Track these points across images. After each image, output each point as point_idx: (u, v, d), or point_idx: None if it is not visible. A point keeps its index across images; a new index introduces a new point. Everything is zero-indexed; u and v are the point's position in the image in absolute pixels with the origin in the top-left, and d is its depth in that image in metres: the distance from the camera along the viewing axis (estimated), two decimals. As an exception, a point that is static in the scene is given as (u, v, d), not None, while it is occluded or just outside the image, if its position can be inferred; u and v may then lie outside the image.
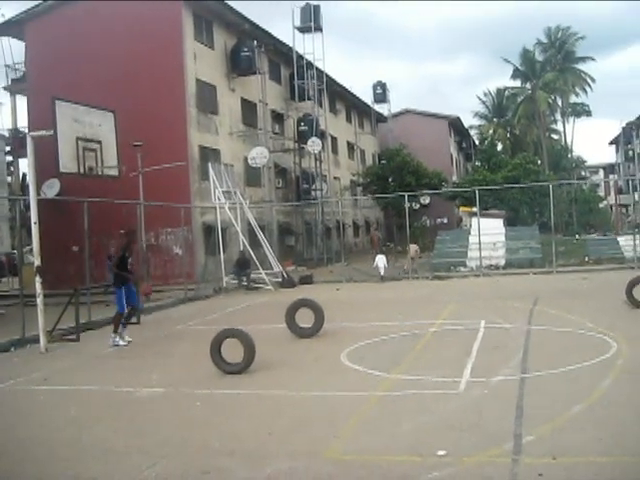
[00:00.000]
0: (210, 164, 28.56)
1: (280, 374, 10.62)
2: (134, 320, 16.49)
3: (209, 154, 32.86)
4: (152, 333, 16.45)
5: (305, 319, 14.01)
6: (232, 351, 10.71)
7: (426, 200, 49.29)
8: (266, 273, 27.07)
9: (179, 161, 28.66)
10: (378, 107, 61.50)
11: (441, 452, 6.34)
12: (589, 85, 70.60)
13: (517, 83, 71.79)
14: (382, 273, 27.71)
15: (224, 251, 27.90)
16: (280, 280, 27.23)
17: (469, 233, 32.82)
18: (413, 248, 30.00)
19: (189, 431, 7.75)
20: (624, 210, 53.75)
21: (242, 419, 8.14)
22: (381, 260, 28.04)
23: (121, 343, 14.47)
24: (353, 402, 8.57)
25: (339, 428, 7.42)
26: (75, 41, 32.02)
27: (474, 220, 31.98)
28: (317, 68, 42.95)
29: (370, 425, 7.57)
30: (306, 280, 27.88)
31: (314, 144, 39.93)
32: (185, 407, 8.87)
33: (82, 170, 14.89)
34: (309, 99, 42.29)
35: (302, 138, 40.98)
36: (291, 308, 14.15)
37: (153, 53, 31.19)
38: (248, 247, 27.97)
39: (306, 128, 41.00)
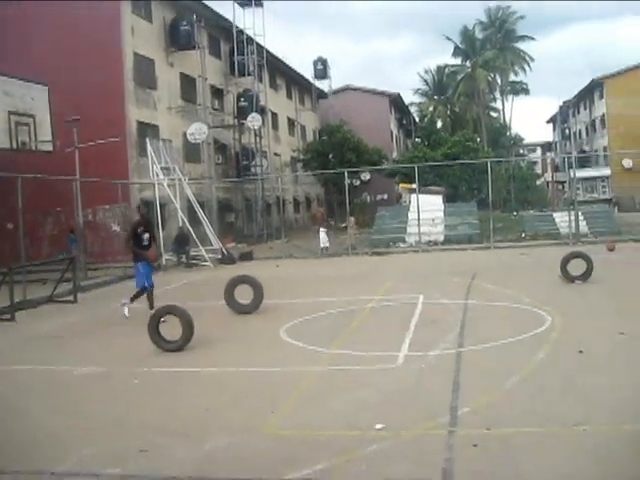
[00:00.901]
0: (148, 140, 28.19)
1: (219, 351, 10.58)
2: (71, 298, 16.22)
3: (147, 129, 32.38)
4: (90, 311, 16.22)
5: (244, 296, 13.95)
6: (171, 329, 10.63)
7: (366, 176, 49.46)
8: (205, 250, 26.91)
9: (117, 136, 28.14)
10: (319, 83, 61.32)
11: (379, 426, 6.39)
12: (528, 64, 71.59)
13: (458, 61, 72.48)
14: (323, 245, 27.99)
15: (163, 228, 27.63)
16: (220, 257, 27.09)
17: (408, 209, 33.07)
18: (352, 221, 30.22)
19: (127, 409, 7.67)
20: (560, 187, 54.65)
21: (181, 396, 8.10)
22: (324, 233, 28.28)
23: (125, 313, 14.02)
24: (292, 377, 8.58)
25: (278, 404, 7.42)
26: (7, 12, 31.10)
27: (413, 196, 32.24)
28: (257, 43, 42.60)
29: (309, 400, 7.59)
30: (246, 257, 27.79)
31: (254, 120, 39.68)
32: (123, 386, 8.77)
33: (15, 145, 14.53)
34: (249, 74, 41.86)
35: (242, 114, 40.64)
36: (230, 285, 14.07)
37: (90, 26, 30.38)
38: (187, 224, 27.74)
39: (246, 104, 40.67)
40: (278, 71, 51.37)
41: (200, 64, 37.17)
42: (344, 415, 6.89)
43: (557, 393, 7.31)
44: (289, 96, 55.70)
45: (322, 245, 28.50)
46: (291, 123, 55.48)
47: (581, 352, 8.89)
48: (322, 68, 60.59)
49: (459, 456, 5.64)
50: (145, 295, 14.11)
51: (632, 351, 9.01)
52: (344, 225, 32.11)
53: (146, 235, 14.11)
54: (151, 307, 13.57)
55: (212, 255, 26.95)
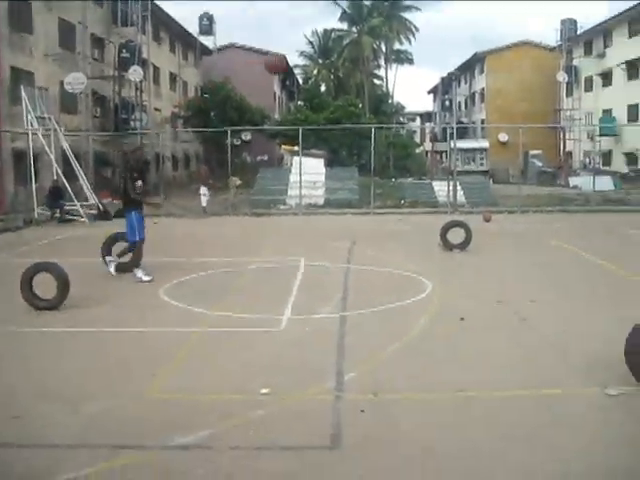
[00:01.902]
0: (22, 87, 26.83)
1: (96, 310, 10.10)
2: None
3: (22, 76, 30.64)
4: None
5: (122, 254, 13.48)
6: (44, 286, 10.10)
7: (247, 136, 48.91)
8: (81, 205, 26.00)
9: (-13, 81, 26.72)
10: (204, 39, 60.06)
11: (264, 390, 6.27)
12: (413, 34, 72.21)
13: (344, 26, 72.14)
14: (204, 204, 27.65)
15: (36, 180, 26.44)
16: (95, 212, 26.24)
17: (290, 172, 33.00)
18: (235, 180, 29.96)
19: (-4, 372, 7.24)
20: (439, 157, 55.81)
21: (56, 358, 7.65)
22: (205, 192, 27.88)
23: (145, 278, 12.33)
24: (173, 339, 8.35)
25: (159, 366, 7.18)
26: None
27: (295, 159, 32.19)
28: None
29: (191, 363, 7.40)
30: (122, 213, 26.95)
31: (135, 73, 38.46)
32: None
33: None
34: (132, 25, 40.44)
35: (123, 66, 39.22)
36: (107, 241, 13.60)
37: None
38: (62, 177, 26.67)
39: (128, 55, 39.25)
40: (162, 24, 49.84)
41: (81, 10, 35.63)
42: (228, 379, 6.75)
43: (440, 359, 7.40)
44: (172, 50, 54.26)
45: (203, 204, 28.13)
46: (173, 78, 54.14)
47: (462, 319, 9.03)
48: (208, 24, 59.37)
49: (347, 421, 5.60)
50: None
51: (509, 319, 9.24)
52: (226, 185, 31.67)
53: (138, 183, 12.75)
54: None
55: (88, 210, 26.08)
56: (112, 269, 12.78)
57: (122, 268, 12.82)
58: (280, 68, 17.71)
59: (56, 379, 6.89)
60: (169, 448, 5.15)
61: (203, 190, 28.31)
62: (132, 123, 39.83)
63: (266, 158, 53.87)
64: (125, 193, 12.97)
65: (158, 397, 6.26)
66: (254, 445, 5.18)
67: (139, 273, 12.51)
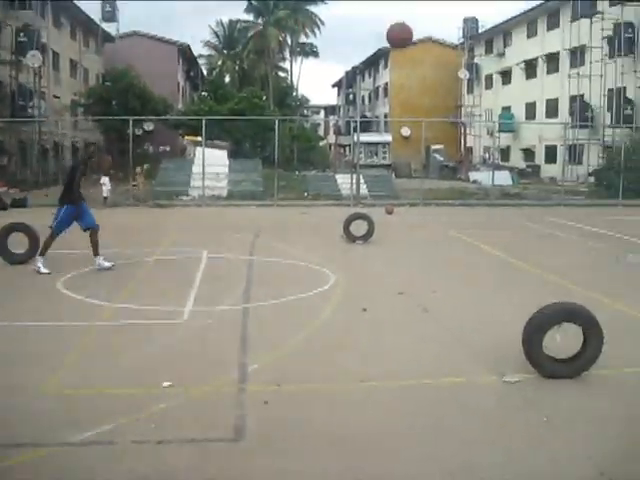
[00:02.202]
0: None
1: (-10, 302, 9.79)
2: None
3: None
4: None
5: (18, 244, 13.07)
6: None
7: (150, 126, 48.13)
8: (-26, 193, 25.14)
9: None
10: (106, 26, 58.77)
11: (167, 383, 6.16)
12: (318, 27, 72.39)
13: (250, 17, 71.73)
14: (105, 195, 27.10)
15: None
16: (-10, 202, 25.40)
17: (193, 163, 32.69)
18: (139, 171, 29.50)
19: None
20: (342, 150, 56.19)
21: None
22: (107, 182, 27.34)
23: (43, 270, 11.89)
24: (73, 333, 8.10)
25: (58, 361, 6.94)
26: None
27: (198, 150, 31.89)
28: (41, -24, 40.06)
29: (91, 357, 7.20)
30: (19, 203, 26.22)
31: (34, 58, 37.39)
32: None
33: None
34: (30, 8, 39.22)
35: (21, 50, 38.07)
36: (3, 232, 13.13)
37: None
38: (-46, 164, 25.77)
39: (26, 40, 38.05)
40: (63, 9, 48.39)
41: (-25, -8, 34.41)
42: (130, 372, 6.61)
43: (343, 350, 7.43)
44: (73, 36, 52.85)
45: (104, 194, 27.53)
46: (74, 65, 52.78)
47: (365, 310, 9.12)
48: (111, 10, 58.11)
49: (251, 413, 5.56)
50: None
51: (411, 310, 9.39)
52: (127, 176, 31.14)
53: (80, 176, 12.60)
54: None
55: (-19, 199, 25.20)
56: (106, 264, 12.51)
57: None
58: (406, 37, 16.60)
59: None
60: (69, 444, 4.99)
61: (104, 180, 27.70)
62: (30, 110, 38.60)
63: (168, 149, 53.11)
64: (70, 187, 12.51)
65: (57, 393, 6.06)
66: (156, 439, 5.07)
67: (39, 262, 12.10)
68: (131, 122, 30.43)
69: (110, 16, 58.57)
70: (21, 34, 38.46)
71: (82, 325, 8.41)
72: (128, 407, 5.65)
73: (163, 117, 45.54)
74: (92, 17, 55.27)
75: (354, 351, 7.41)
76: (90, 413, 5.55)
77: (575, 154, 42.93)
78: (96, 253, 12.63)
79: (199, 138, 32.36)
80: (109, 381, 6.35)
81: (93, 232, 12.79)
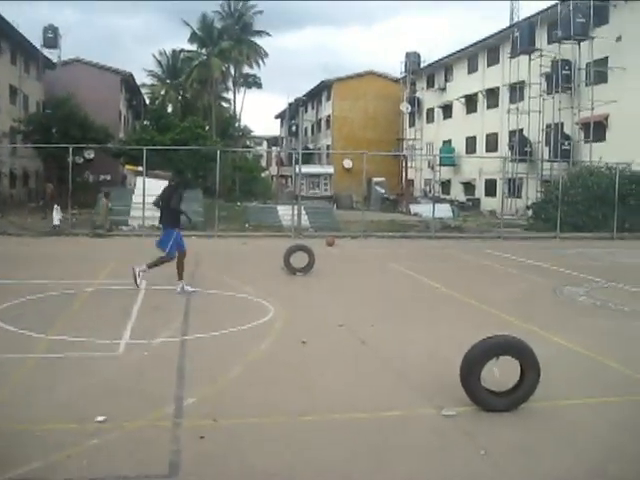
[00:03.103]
0: None
1: None
2: None
3: None
4: None
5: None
6: None
7: (90, 155, 47.63)
8: None
9: None
10: (48, 53, 58.21)
11: (100, 418, 6.03)
12: (262, 58, 72.73)
13: (194, 47, 71.69)
14: (56, 222, 27.37)
15: None
16: None
17: (133, 192, 32.39)
18: (105, 202, 29.18)
19: None
20: (284, 181, 56.34)
21: None
22: (57, 210, 27.74)
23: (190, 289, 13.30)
24: (4, 366, 7.88)
25: (-13, 393, 6.79)
26: None
27: (139, 179, 31.60)
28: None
29: (23, 391, 6.99)
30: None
31: (-28, 84, 36.83)
32: None
33: None
34: (-32, 34, 38.70)
35: (-43, 75, 37.53)
36: None
37: None
38: None
39: (-36, 66, 37.57)
40: (3, 33, 47.77)
41: None
42: (62, 407, 6.45)
43: (281, 384, 7.40)
44: (13, 62, 52.15)
45: (55, 222, 27.46)
46: (13, 91, 52.01)
47: (304, 342, 9.10)
48: (52, 37, 57.63)
49: (186, 448, 5.48)
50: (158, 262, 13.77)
51: (350, 342, 9.40)
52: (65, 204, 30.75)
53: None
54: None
55: None
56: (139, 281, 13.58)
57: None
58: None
59: None
60: (-4, 482, 4.86)
61: (56, 209, 27.59)
62: (-34, 136, 37.95)
63: (109, 178, 52.61)
64: (174, 211, 13.83)
65: (-15, 428, 5.91)
66: (89, 476, 4.96)
67: (179, 287, 13.36)
68: (71, 150, 30.01)
69: (52, 42, 58.06)
70: (-42, 58, 37.86)
71: (15, 358, 8.21)
72: (60, 443, 5.50)
73: (104, 145, 45.11)
74: (33, 43, 54.70)
75: (292, 384, 7.36)
76: (20, 449, 5.39)
77: (514, 188, 43.85)
78: (181, 277, 13.59)
79: (140, 168, 32.09)
80: (41, 416, 6.18)
81: (182, 255, 13.78)
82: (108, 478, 4.98)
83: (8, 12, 46.41)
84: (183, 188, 14.76)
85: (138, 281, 13.53)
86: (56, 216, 27.81)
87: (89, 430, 5.79)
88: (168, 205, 13.79)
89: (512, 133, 47.03)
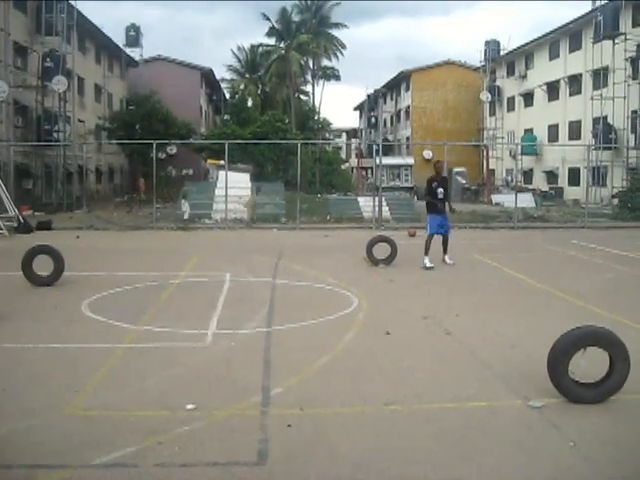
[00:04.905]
0: (-59, 94, 26.12)
1: (15, 325, 9.80)
2: None
3: (-61, 83, 29.91)
4: None
5: (43, 267, 13.19)
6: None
7: (173, 150, 48.58)
8: (0, 217, 25.34)
9: None
10: (130, 51, 59.50)
11: (190, 406, 6.18)
12: (340, 51, 72.85)
13: (272, 41, 72.22)
14: (186, 217, 28.85)
15: (-47, 190, 25.73)
16: (16, 225, 25.61)
17: (215, 186, 32.81)
18: (251, 197, 29.85)
19: None
20: (365, 173, 56.26)
21: (-28, 373, 7.37)
22: (185, 205, 29.35)
23: (428, 265, 15.79)
24: (96, 355, 8.14)
25: (82, 382, 6.99)
26: None
27: (221, 173, 32.01)
28: (68, 2, 40.46)
29: (115, 379, 7.22)
30: (44, 226, 26.46)
31: (59, 83, 37.79)
32: None
33: None
34: (57, 34, 39.66)
35: (47, 75, 38.49)
36: (28, 255, 13.24)
37: None
38: (-19, 188, 26.02)
39: (52, 65, 38.48)
40: (88, 34, 49.02)
41: (3, 17, 34.83)
42: (153, 395, 6.63)
43: (366, 374, 7.41)
44: (98, 61, 53.48)
45: (185, 217, 28.97)
46: (98, 89, 53.34)
47: (388, 333, 9.10)
48: (134, 35, 58.92)
49: (274, 437, 5.56)
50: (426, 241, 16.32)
51: (435, 333, 9.34)
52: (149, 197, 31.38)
53: (440, 189, 16.24)
54: (444, 252, 16.60)
55: (7, 223, 25.43)
56: (428, 264, 15.87)
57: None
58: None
59: (-28, 396, 6.64)
60: (92, 467, 5.01)
61: (184, 202, 29.36)
62: (55, 134, 39.01)
63: (191, 172, 53.45)
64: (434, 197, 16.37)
65: (81, 414, 6.09)
66: (180, 462, 5.08)
67: (425, 260, 15.89)
68: (154, 146, 30.59)
69: (134, 41, 59.33)
70: (47, 59, 38.89)
71: (106, 347, 8.46)
72: (152, 429, 5.66)
73: (186, 141, 45.83)
74: (116, 42, 55.97)
75: (378, 375, 7.37)
76: (113, 435, 5.56)
77: (599, 176, 42.67)
78: (445, 252, 16.66)
79: (222, 162, 32.51)
80: (133, 403, 6.37)
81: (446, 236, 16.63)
82: (199, 464, 5.08)
83: (93, 13, 47.54)
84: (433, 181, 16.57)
85: (450, 262, 16.45)
86: (185, 209, 29.00)
87: (180, 417, 5.94)
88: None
89: (596, 120, 45.77)
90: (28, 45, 39.40)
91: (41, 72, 39.21)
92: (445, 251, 16.58)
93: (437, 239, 16.46)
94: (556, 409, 6.26)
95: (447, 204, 16.58)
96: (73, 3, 41.27)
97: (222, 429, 5.77)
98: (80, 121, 46.74)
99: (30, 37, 39.71)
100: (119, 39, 57.37)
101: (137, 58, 60.32)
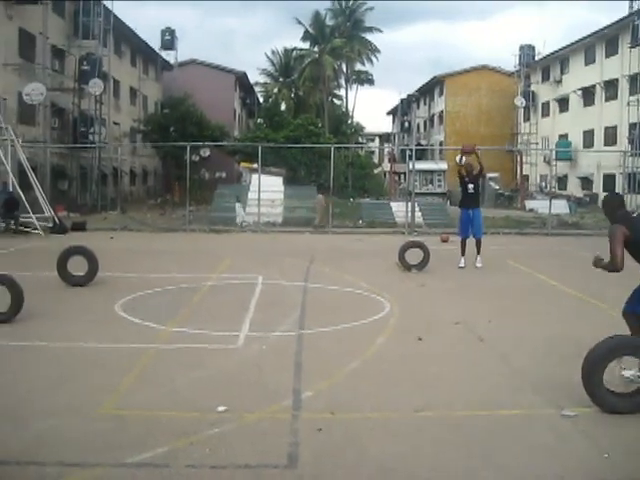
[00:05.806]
0: (-21, 96, 26.49)
1: (49, 324, 9.92)
2: None
3: (-22, 86, 30.38)
4: None
5: (78, 267, 13.32)
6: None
7: (206, 153, 48.76)
8: (36, 217, 25.64)
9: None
10: (165, 54, 60.01)
11: (221, 408, 6.21)
12: (374, 55, 72.87)
13: (306, 45, 72.40)
14: (240, 220, 29.21)
15: (-10, 191, 26.06)
16: (51, 225, 25.90)
17: (248, 189, 32.91)
18: (321, 198, 29.96)
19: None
20: (397, 178, 56.11)
21: (5, 373, 7.44)
22: (241, 208, 29.47)
23: (461, 264, 16.61)
24: (129, 355, 8.21)
25: (113, 382, 7.05)
26: None
27: (254, 176, 32.10)
28: (104, 6, 40.96)
29: (147, 379, 7.28)
30: (79, 226, 26.73)
31: (95, 85, 38.21)
32: None
33: None
34: (93, 38, 40.14)
35: (83, 78, 38.95)
36: (63, 255, 13.39)
37: None
38: (18, 188, 26.32)
39: (88, 68, 38.95)
40: (124, 37, 49.46)
41: (42, 21, 35.28)
42: (185, 396, 6.66)
43: (397, 379, 7.40)
44: (133, 64, 53.96)
45: (240, 220, 29.22)
46: (133, 92, 53.81)
47: (420, 339, 9.06)
48: (169, 39, 59.34)
49: (304, 440, 5.56)
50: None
51: (467, 339, 9.30)
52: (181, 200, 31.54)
53: (471, 185, 16.52)
54: (477, 253, 16.71)
55: (43, 223, 25.71)
56: (478, 264, 16.60)
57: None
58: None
59: (4, 395, 6.71)
60: (123, 466, 5.06)
61: (239, 205, 29.62)
62: (90, 136, 39.45)
63: (224, 175, 53.66)
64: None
65: (113, 414, 6.15)
66: (210, 463, 5.11)
67: (460, 260, 16.69)
68: (188, 148, 30.79)
69: (169, 44, 59.76)
70: (84, 62, 39.36)
71: (138, 348, 8.52)
72: (183, 430, 5.70)
73: (219, 143, 46.04)
74: (151, 45, 56.43)
75: (409, 380, 7.35)
76: (146, 435, 5.61)
77: (635, 183, 42.13)
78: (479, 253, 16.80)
79: (255, 165, 32.60)
80: (164, 404, 6.41)
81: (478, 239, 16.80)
82: (229, 466, 5.10)
83: (128, 16, 47.96)
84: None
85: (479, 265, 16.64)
86: (241, 213, 29.26)
87: (210, 419, 5.96)
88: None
89: (632, 126, 45.19)
90: (65, 48, 39.89)
91: (78, 75, 39.68)
92: (478, 252, 16.71)
93: (472, 241, 16.73)
94: (590, 419, 6.18)
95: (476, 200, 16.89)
96: (109, 6, 41.71)
97: (253, 432, 5.78)
98: (115, 123, 47.21)
99: (67, 40, 40.19)
100: (155, 43, 57.90)
101: (172, 61, 60.74)
